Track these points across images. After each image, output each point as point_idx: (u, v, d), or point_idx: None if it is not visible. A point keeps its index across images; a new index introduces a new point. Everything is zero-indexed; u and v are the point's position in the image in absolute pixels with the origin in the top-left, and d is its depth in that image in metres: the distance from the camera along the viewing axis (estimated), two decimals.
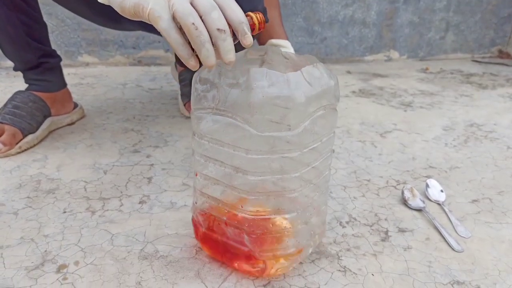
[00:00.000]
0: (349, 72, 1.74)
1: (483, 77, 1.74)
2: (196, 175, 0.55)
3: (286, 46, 0.96)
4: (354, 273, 0.56)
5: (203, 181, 0.55)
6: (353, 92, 1.45)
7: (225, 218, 0.54)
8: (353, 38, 1.90)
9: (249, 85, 0.47)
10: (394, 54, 2.00)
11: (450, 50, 2.08)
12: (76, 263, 0.56)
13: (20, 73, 1.01)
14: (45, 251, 0.58)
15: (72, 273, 0.54)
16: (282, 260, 0.53)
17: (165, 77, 1.52)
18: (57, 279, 0.53)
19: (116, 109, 1.16)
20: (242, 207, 0.52)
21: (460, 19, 2.03)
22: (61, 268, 0.55)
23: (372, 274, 0.56)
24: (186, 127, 1.04)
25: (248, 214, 0.51)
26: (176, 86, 1.39)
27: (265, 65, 0.50)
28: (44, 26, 0.95)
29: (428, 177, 0.84)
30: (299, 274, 0.56)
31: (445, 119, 1.20)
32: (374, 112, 1.23)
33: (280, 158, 0.49)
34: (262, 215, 0.51)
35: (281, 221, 0.53)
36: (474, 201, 0.76)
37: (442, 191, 0.77)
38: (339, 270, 0.57)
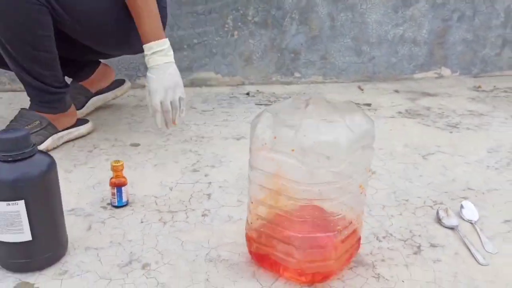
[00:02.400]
0: (396, 91, 1.86)
1: None
2: (252, 201, 0.71)
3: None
4: (386, 279, 0.70)
5: (257, 205, 0.71)
6: (399, 113, 1.57)
7: (276, 236, 0.69)
8: (402, 56, 2.01)
9: (302, 133, 0.63)
10: (446, 72, 2.09)
11: (506, 66, 2.14)
12: (156, 262, 0.74)
13: None
14: (131, 252, 0.77)
15: (154, 270, 0.72)
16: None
17: (216, 98, 1.71)
18: (143, 274, 0.71)
19: (174, 130, 1.36)
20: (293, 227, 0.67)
21: None
22: (145, 266, 0.73)
23: (403, 281, 0.70)
24: (237, 150, 1.21)
25: (298, 233, 0.67)
26: (227, 107, 1.58)
27: (310, 107, 0.66)
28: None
29: (465, 198, 0.96)
30: (339, 279, 0.70)
31: (491, 141, 1.29)
32: (419, 134, 1.35)
33: (326, 188, 0.65)
34: (309, 234, 0.67)
35: (325, 238, 0.68)
36: (506, 221, 0.87)
37: (476, 211, 0.89)
38: (374, 277, 0.71)
